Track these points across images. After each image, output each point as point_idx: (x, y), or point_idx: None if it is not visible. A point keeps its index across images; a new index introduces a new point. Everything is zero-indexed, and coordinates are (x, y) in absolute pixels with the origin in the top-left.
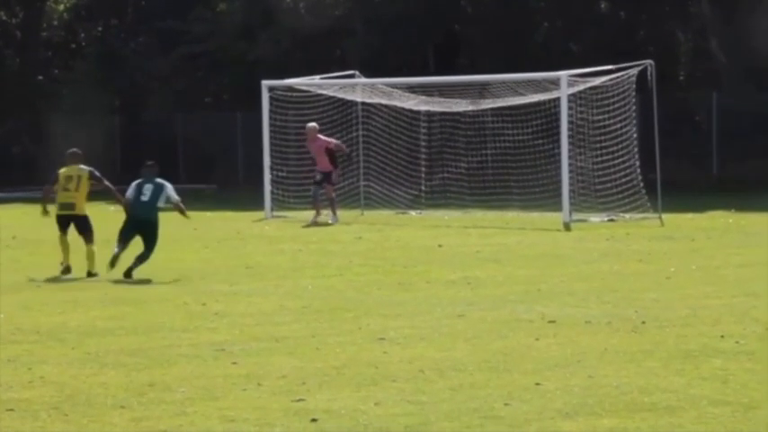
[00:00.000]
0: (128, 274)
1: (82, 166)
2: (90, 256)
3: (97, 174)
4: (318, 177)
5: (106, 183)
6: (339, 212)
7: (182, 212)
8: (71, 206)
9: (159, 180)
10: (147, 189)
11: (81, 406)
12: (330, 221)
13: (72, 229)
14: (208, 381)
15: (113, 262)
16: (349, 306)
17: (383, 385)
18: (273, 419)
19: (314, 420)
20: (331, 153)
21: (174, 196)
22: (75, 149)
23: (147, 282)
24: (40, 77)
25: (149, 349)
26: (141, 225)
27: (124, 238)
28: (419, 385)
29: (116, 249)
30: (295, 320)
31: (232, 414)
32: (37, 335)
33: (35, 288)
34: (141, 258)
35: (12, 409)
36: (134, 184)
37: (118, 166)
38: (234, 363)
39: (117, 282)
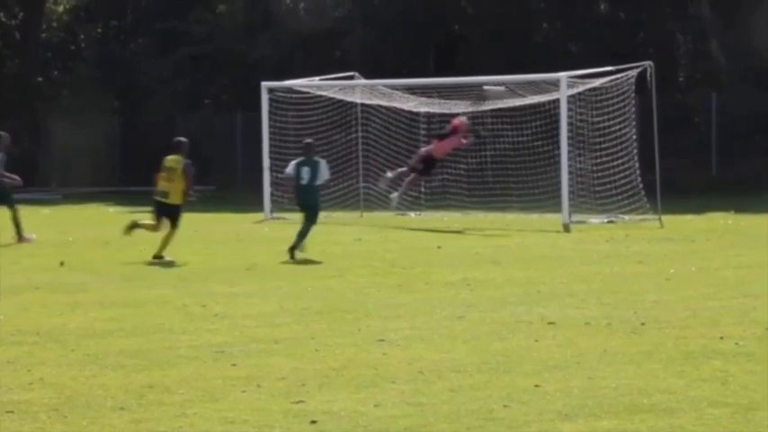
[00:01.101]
0: (291, 252)
1: (180, 158)
2: (166, 240)
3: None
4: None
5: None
6: (339, 214)
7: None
8: (165, 194)
9: (316, 159)
10: (306, 171)
11: (80, 408)
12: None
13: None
14: (207, 382)
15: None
16: (348, 307)
17: (383, 387)
18: (273, 421)
19: (313, 422)
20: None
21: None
22: (180, 138)
23: (146, 283)
24: (40, 79)
25: (149, 351)
26: (305, 208)
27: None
28: (419, 387)
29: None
30: (294, 322)
31: (231, 416)
32: (36, 336)
33: (34, 290)
34: (302, 234)
35: (11, 411)
36: (293, 163)
37: (117, 168)
38: (233, 364)
39: (116, 283)
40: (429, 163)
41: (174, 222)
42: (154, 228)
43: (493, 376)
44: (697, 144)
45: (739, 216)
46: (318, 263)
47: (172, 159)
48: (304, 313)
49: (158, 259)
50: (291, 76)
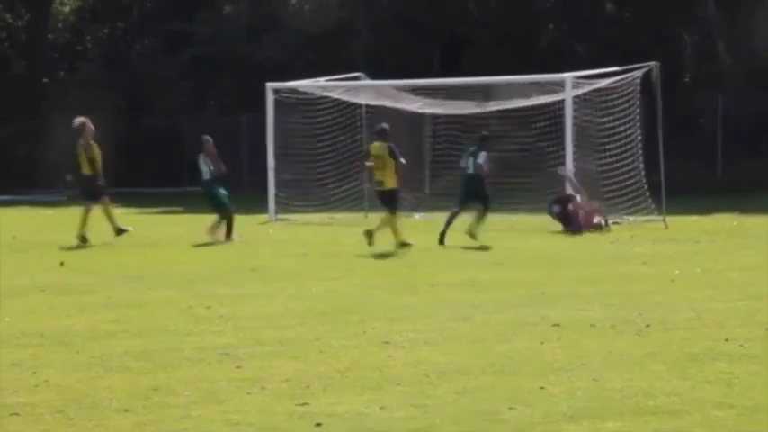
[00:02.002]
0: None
1: (383, 144)
2: (384, 227)
3: (395, 151)
4: None
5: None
6: (344, 215)
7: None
8: (380, 183)
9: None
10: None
11: (85, 410)
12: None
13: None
14: (212, 384)
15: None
16: (353, 309)
17: (387, 389)
18: (277, 423)
19: (318, 424)
20: None
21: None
22: (383, 125)
23: (151, 285)
24: (46, 80)
25: (153, 353)
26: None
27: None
28: (423, 389)
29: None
30: (299, 323)
31: (236, 418)
32: (41, 338)
33: (39, 291)
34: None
35: (16, 413)
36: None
37: (122, 169)
38: (238, 366)
39: (121, 285)
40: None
41: (394, 208)
42: (394, 228)
43: (498, 378)
44: (702, 145)
45: (744, 217)
46: (323, 264)
47: (376, 146)
48: (309, 315)
49: (405, 246)
50: (296, 77)
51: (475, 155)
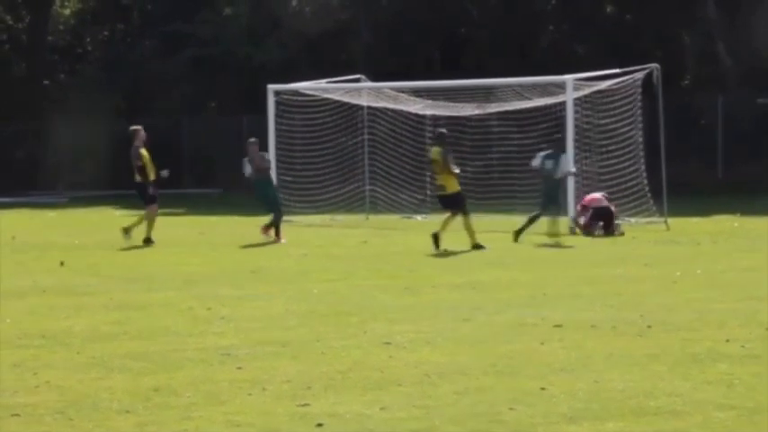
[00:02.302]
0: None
1: (440, 149)
2: (469, 229)
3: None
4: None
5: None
6: (345, 216)
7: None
8: (442, 187)
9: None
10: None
11: (86, 411)
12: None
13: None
14: (213, 385)
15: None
16: (354, 310)
17: (388, 390)
18: (279, 424)
19: (319, 425)
20: None
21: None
22: (441, 130)
23: (151, 286)
24: (47, 82)
25: (155, 354)
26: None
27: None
28: (425, 389)
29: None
30: (300, 325)
31: (237, 419)
32: (42, 339)
33: (40, 293)
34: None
35: (17, 414)
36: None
37: (123, 170)
38: (239, 367)
39: (122, 286)
40: None
41: (462, 210)
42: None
43: (499, 379)
44: (703, 146)
45: (745, 218)
46: (324, 266)
47: (435, 151)
48: (310, 316)
49: (478, 248)
50: (297, 79)
51: (554, 157)
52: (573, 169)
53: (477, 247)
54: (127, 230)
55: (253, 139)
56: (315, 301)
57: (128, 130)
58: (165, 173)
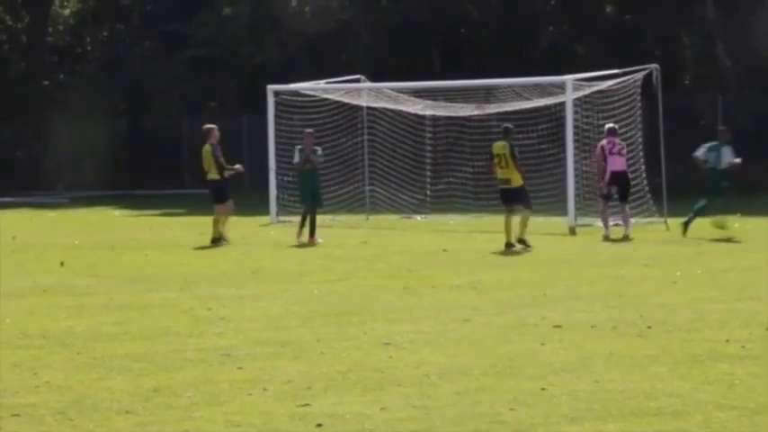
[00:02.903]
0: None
1: (505, 143)
2: (522, 223)
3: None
4: None
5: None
6: (345, 217)
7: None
8: (506, 181)
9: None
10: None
11: (86, 411)
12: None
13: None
14: (213, 386)
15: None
16: (354, 311)
17: (389, 390)
18: (279, 424)
19: (319, 425)
20: None
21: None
22: (507, 125)
23: (152, 287)
24: (46, 82)
25: (155, 354)
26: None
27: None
28: (425, 390)
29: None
30: (301, 325)
31: (238, 419)
32: (42, 340)
33: (40, 293)
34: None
35: (17, 414)
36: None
37: (123, 170)
38: (239, 367)
39: (122, 287)
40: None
41: (527, 203)
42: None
43: (499, 379)
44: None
45: (745, 219)
46: (324, 266)
47: (499, 146)
48: (310, 316)
49: (524, 244)
50: (297, 79)
51: (716, 149)
52: (737, 160)
53: (522, 242)
54: (217, 240)
55: (309, 130)
56: (315, 301)
57: (205, 129)
58: (239, 167)
